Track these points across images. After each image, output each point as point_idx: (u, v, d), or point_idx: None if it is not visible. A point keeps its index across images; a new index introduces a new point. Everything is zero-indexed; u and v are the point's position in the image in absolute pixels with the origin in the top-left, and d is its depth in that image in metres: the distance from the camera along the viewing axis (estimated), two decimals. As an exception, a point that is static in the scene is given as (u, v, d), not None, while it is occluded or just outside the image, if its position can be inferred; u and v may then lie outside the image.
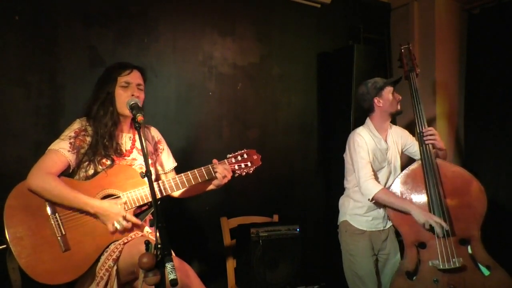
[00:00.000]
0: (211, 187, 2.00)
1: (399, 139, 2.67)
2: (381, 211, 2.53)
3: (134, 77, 1.89)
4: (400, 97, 2.56)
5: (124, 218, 1.74)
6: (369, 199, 2.42)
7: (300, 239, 2.75)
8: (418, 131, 2.46)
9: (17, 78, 2.30)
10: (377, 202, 2.47)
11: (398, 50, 2.63)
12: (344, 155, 2.67)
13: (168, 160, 2.11)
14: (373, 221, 2.55)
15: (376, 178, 2.51)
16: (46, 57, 2.38)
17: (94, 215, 1.74)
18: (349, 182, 2.64)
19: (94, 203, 1.72)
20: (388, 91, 2.55)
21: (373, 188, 2.39)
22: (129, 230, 1.77)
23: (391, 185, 2.47)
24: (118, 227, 1.73)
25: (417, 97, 2.48)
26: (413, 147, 2.67)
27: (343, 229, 2.62)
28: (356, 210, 2.57)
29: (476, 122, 3.40)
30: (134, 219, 1.78)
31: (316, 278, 2.94)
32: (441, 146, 2.46)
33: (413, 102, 2.50)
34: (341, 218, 2.65)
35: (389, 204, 2.40)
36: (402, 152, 2.69)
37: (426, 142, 2.41)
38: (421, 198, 2.37)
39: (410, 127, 3.51)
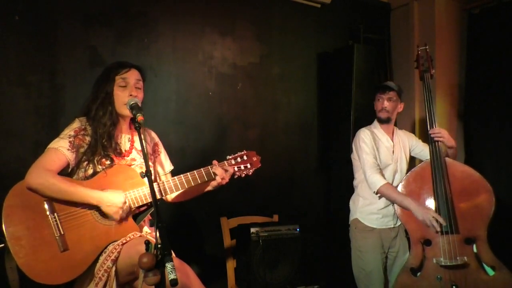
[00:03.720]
0: (208, 188, 1.99)
1: (406, 142, 2.72)
2: (390, 208, 2.56)
3: (132, 76, 1.88)
4: (384, 105, 2.60)
5: (125, 206, 1.74)
6: (374, 192, 2.47)
7: (300, 239, 2.75)
8: (429, 131, 2.48)
9: (17, 78, 2.30)
10: (385, 199, 2.52)
11: (408, 50, 2.67)
12: (352, 155, 2.70)
13: (165, 163, 2.12)
14: (383, 218, 2.58)
15: (382, 174, 2.53)
16: (46, 57, 2.38)
17: (96, 208, 1.73)
18: (356, 179, 2.69)
19: (96, 194, 1.72)
20: (376, 97, 2.66)
21: (378, 181, 2.45)
22: (127, 228, 1.77)
23: (399, 183, 2.49)
24: (121, 212, 1.72)
25: (430, 97, 2.51)
26: (418, 147, 2.71)
27: (353, 226, 2.65)
28: (366, 208, 2.60)
29: (476, 122, 3.40)
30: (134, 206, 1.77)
31: (316, 278, 2.94)
32: (452, 144, 2.49)
33: (426, 102, 2.52)
34: (352, 216, 2.68)
35: (391, 199, 2.45)
36: (410, 155, 2.73)
37: (435, 139, 2.42)
38: (428, 196, 2.39)
39: (413, 127, 3.52)
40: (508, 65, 3.16)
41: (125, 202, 1.74)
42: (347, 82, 3.21)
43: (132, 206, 1.79)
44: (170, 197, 2.07)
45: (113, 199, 1.72)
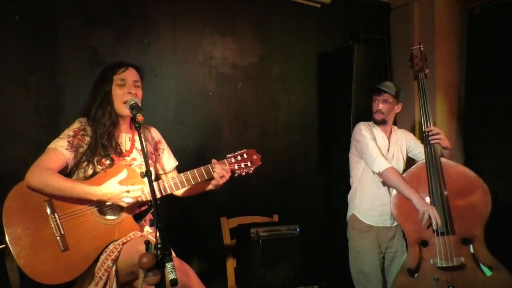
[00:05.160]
0: (210, 187, 2.00)
1: (403, 142, 2.70)
2: (387, 207, 2.54)
3: (130, 75, 1.89)
4: (379, 107, 2.59)
5: (128, 191, 1.74)
6: (378, 172, 2.45)
7: (300, 239, 2.75)
8: (424, 131, 2.48)
9: (17, 78, 2.30)
10: (381, 197, 2.52)
11: (408, 50, 2.66)
12: (349, 154, 2.70)
13: (169, 160, 2.12)
14: (380, 216, 2.58)
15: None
16: (46, 57, 2.39)
17: (96, 207, 1.74)
18: (353, 176, 2.69)
19: (94, 191, 1.72)
20: (373, 98, 2.66)
21: (384, 163, 2.44)
22: (128, 227, 1.77)
23: None
24: (130, 200, 1.73)
25: (424, 97, 2.50)
26: (416, 149, 2.69)
27: (351, 225, 2.65)
28: (363, 204, 2.60)
29: (476, 122, 3.39)
30: (137, 188, 1.77)
31: (316, 278, 2.94)
32: (447, 145, 2.48)
33: (420, 102, 2.51)
34: (350, 212, 2.69)
35: (394, 184, 2.42)
36: (407, 155, 2.72)
37: (431, 142, 2.42)
38: (424, 197, 2.38)
39: (413, 128, 3.52)
40: (508, 65, 3.16)
41: (125, 190, 1.73)
42: (347, 82, 3.21)
43: (135, 190, 1.78)
44: (179, 192, 2.06)
45: (113, 189, 1.72)
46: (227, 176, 1.93)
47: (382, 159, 2.46)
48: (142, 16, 2.70)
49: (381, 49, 3.65)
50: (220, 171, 1.90)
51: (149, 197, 1.81)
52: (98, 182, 1.77)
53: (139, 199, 1.78)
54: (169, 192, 1.91)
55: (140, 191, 1.76)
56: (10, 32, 2.28)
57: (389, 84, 2.65)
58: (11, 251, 1.61)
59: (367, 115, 2.78)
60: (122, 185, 1.76)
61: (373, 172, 2.50)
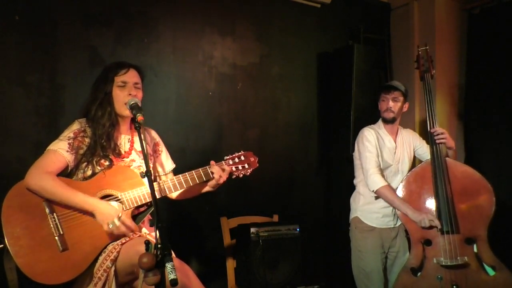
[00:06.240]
0: (206, 188, 2.00)
1: (411, 142, 2.70)
2: (391, 208, 2.55)
3: (131, 76, 1.88)
4: (389, 105, 2.57)
5: (120, 219, 1.72)
6: (372, 191, 2.47)
7: (300, 239, 2.75)
8: (429, 131, 2.48)
9: (17, 78, 2.31)
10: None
11: (408, 50, 2.65)
12: (353, 153, 2.70)
13: (167, 162, 2.12)
14: (383, 218, 2.58)
15: (383, 175, 2.53)
16: (46, 57, 2.39)
17: (92, 214, 1.73)
18: (357, 178, 2.69)
19: (92, 202, 1.72)
20: (381, 97, 2.63)
21: (379, 181, 2.45)
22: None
23: (400, 183, 2.49)
24: (112, 227, 1.71)
25: (430, 97, 2.51)
26: (421, 149, 2.70)
27: (354, 225, 2.66)
28: (366, 207, 2.60)
29: (476, 122, 3.39)
30: (129, 222, 1.76)
31: (316, 278, 2.94)
32: (451, 145, 2.49)
33: (426, 103, 2.52)
34: (352, 214, 2.68)
35: (389, 202, 2.45)
36: (414, 155, 2.72)
37: (437, 141, 2.43)
38: (429, 196, 2.39)
39: (413, 128, 3.52)
40: (508, 65, 3.16)
41: (119, 217, 1.72)
42: (347, 82, 3.21)
43: (127, 222, 1.76)
44: (174, 194, 2.07)
45: (108, 210, 1.72)
46: (225, 178, 1.94)
47: (377, 177, 2.46)
48: (142, 16, 2.70)
49: (381, 49, 3.65)
50: (218, 172, 1.91)
51: (148, 198, 1.81)
52: (97, 182, 1.78)
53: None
54: (167, 193, 1.91)
55: (124, 227, 1.73)
56: (10, 32, 2.28)
57: (397, 82, 2.66)
58: (10, 250, 1.61)
59: (367, 115, 2.79)
60: (121, 186, 1.77)
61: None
